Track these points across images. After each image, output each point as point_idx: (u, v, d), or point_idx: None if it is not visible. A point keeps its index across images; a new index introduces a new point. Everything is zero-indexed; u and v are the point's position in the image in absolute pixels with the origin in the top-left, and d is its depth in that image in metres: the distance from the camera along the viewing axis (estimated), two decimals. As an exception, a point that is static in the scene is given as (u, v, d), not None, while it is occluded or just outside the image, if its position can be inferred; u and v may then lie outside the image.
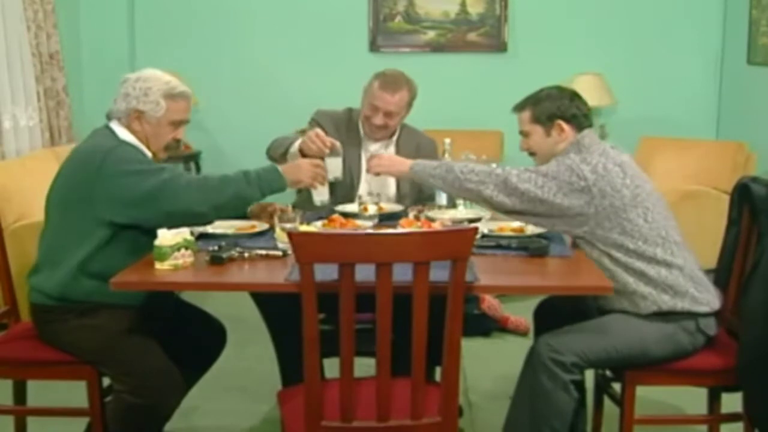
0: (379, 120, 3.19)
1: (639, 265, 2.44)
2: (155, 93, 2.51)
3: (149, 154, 2.53)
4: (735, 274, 2.61)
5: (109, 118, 2.55)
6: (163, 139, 2.55)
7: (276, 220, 2.63)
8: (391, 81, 3.18)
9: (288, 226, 2.53)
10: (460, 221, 2.87)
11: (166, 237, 2.29)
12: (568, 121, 2.59)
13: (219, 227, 2.71)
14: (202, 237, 2.62)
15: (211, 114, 5.66)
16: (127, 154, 2.43)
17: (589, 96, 5.27)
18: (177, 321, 2.67)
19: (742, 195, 2.61)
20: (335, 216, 2.84)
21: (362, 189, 3.25)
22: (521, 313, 4.03)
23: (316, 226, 2.69)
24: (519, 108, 2.67)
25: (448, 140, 3.29)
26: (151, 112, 2.50)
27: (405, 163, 2.77)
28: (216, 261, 2.35)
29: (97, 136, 2.52)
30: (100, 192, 2.36)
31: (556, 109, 2.59)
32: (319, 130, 2.94)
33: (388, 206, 3.09)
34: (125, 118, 2.52)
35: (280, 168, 2.60)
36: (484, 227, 2.71)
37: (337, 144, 2.90)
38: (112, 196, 2.36)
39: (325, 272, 2.00)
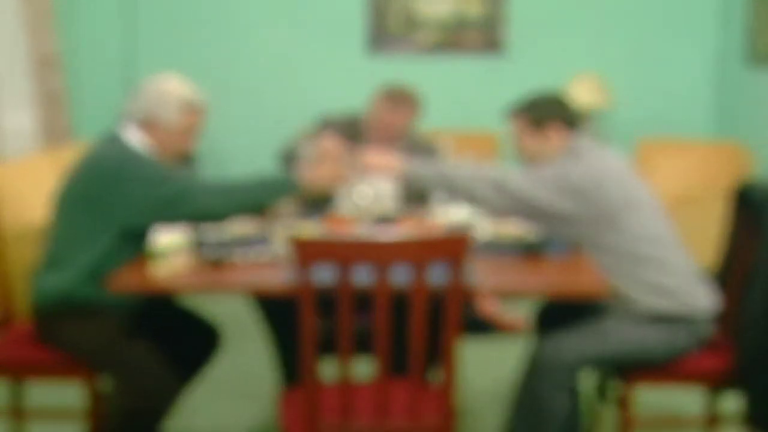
0: (381, 136, 3.17)
1: (633, 268, 2.43)
2: (172, 100, 2.50)
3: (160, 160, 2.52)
4: (735, 275, 2.60)
5: (122, 119, 2.54)
6: (174, 145, 2.54)
7: (271, 217, 2.63)
8: (395, 99, 3.17)
9: (284, 227, 2.53)
10: (460, 221, 2.86)
11: (161, 239, 2.28)
12: (559, 124, 2.59)
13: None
14: (199, 239, 2.61)
15: (209, 115, 5.64)
16: (144, 160, 2.43)
17: (587, 97, 5.35)
18: (170, 323, 2.67)
19: (742, 196, 2.61)
20: (333, 215, 2.83)
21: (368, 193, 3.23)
22: (521, 314, 4.02)
23: (314, 227, 2.68)
24: (511, 114, 2.66)
25: (447, 142, 3.28)
26: (166, 118, 2.50)
27: (396, 163, 2.69)
28: (213, 263, 2.34)
29: (110, 141, 2.50)
30: (117, 198, 2.36)
31: (548, 113, 2.59)
32: (330, 144, 2.89)
33: (388, 206, 3.08)
34: (138, 123, 2.51)
35: (298, 172, 2.59)
36: (483, 228, 2.70)
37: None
38: (131, 202, 2.36)
39: (323, 275, 1.99)
